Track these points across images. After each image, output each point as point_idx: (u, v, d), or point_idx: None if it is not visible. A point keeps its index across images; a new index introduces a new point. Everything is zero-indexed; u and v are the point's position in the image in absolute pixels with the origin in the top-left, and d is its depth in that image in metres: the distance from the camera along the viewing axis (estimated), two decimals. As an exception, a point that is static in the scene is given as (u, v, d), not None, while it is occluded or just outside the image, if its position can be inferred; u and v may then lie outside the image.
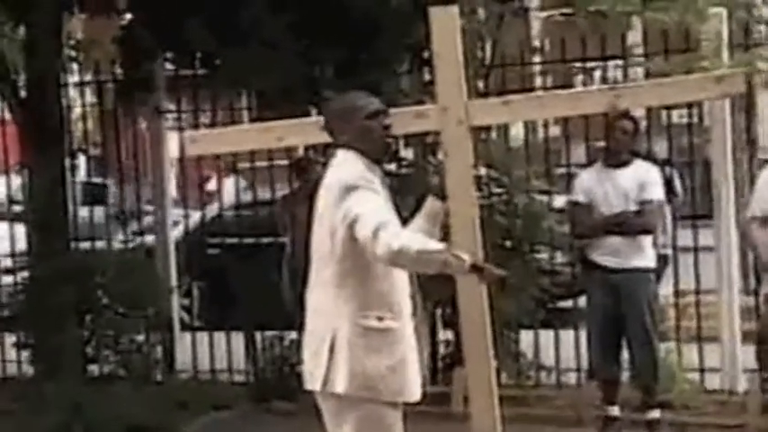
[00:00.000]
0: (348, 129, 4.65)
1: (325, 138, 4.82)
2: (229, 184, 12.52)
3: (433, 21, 5.01)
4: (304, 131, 5.24)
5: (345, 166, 4.60)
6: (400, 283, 4.61)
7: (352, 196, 4.44)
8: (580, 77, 9.49)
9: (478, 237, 4.95)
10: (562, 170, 9.86)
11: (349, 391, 4.50)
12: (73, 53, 10.17)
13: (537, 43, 10.04)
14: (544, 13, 10.78)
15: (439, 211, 4.88)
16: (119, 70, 9.44)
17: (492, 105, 5.35)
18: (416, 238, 4.45)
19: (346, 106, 4.72)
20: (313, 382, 4.59)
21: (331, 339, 4.52)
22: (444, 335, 8.87)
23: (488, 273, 4.45)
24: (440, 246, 4.43)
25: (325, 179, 4.69)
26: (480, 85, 8.59)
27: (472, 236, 4.93)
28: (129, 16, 8.89)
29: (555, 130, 10.44)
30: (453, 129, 5.00)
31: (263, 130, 5.42)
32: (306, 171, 8.99)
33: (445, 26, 4.99)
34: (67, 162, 9.37)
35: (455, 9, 5.06)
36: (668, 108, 9.24)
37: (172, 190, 9.90)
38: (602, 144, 7.81)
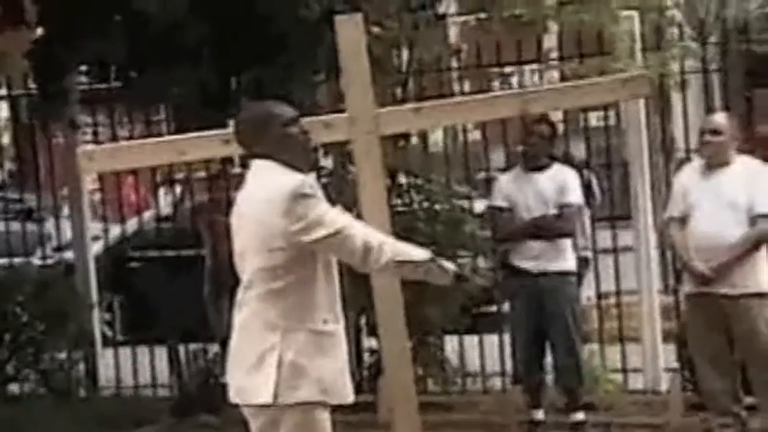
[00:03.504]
0: (265, 138, 4.56)
1: (228, 151, 4.76)
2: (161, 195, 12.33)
3: (338, 30, 4.99)
4: (206, 145, 5.16)
5: (276, 175, 4.50)
6: (336, 286, 4.61)
7: (304, 205, 4.39)
8: (497, 83, 9.52)
9: None
10: (482, 175, 9.91)
11: (305, 397, 4.45)
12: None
13: (454, 49, 10.02)
14: (461, 18, 10.79)
15: None
16: (32, 84, 9.31)
17: (402, 113, 5.36)
18: (401, 247, 4.49)
19: (261, 115, 4.64)
20: (255, 396, 4.49)
21: (279, 350, 4.45)
22: (369, 343, 8.85)
23: (472, 281, 4.50)
24: (425, 254, 4.46)
25: (246, 189, 4.62)
26: (398, 92, 8.58)
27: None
28: (40, 30, 8.75)
29: (476, 135, 10.49)
30: (363, 138, 4.99)
31: (163, 144, 5.32)
32: (222, 183, 8.94)
33: (351, 35, 4.98)
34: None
35: (359, 17, 5.04)
36: (585, 111, 9.31)
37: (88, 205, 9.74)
38: (520, 148, 7.84)
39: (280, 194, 4.42)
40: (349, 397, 4.62)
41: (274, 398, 4.45)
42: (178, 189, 10.92)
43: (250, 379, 4.51)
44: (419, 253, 4.48)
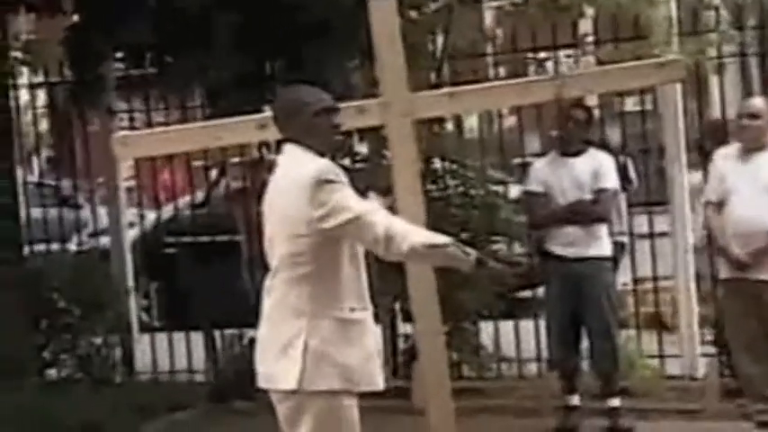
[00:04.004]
0: (295, 124, 4.60)
1: (262, 136, 4.77)
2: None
3: (372, 14, 4.98)
4: (241, 130, 5.18)
5: (303, 160, 4.53)
6: (363, 274, 4.62)
7: (326, 190, 4.40)
8: (532, 68, 9.47)
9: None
10: (518, 160, 9.87)
11: (329, 385, 4.46)
12: (20, 55, 10.04)
13: (489, 34, 9.97)
14: (495, 3, 10.74)
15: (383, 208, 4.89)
16: (68, 72, 9.34)
17: (436, 98, 5.33)
18: (423, 233, 4.48)
19: (295, 101, 4.65)
20: (281, 381, 4.51)
21: (305, 336, 4.46)
22: (404, 329, 8.84)
23: (496, 267, 4.47)
24: (446, 239, 4.43)
25: (276, 175, 4.64)
26: (433, 77, 8.55)
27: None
28: (76, 17, 8.78)
29: (511, 121, 10.45)
30: (397, 123, 4.98)
31: (198, 130, 5.33)
32: (258, 168, 8.95)
33: (385, 19, 4.97)
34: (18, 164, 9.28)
35: (393, 1, 5.02)
36: (621, 95, 9.25)
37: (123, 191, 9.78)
38: (556, 133, 7.81)
39: (304, 180, 4.43)
40: (378, 384, 4.62)
41: (299, 384, 4.47)
42: (213, 175, 10.96)
43: (277, 365, 4.53)
44: (440, 239, 4.44)
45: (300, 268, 4.49)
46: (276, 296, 4.58)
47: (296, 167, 4.53)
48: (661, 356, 8.47)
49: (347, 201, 4.41)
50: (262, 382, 4.66)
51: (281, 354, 4.52)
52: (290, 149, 4.62)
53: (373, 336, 4.67)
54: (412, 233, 4.43)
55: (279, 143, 5.63)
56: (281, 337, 4.54)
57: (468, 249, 4.41)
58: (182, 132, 5.62)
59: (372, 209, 4.49)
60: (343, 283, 4.53)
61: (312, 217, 4.41)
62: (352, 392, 4.57)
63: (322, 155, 4.57)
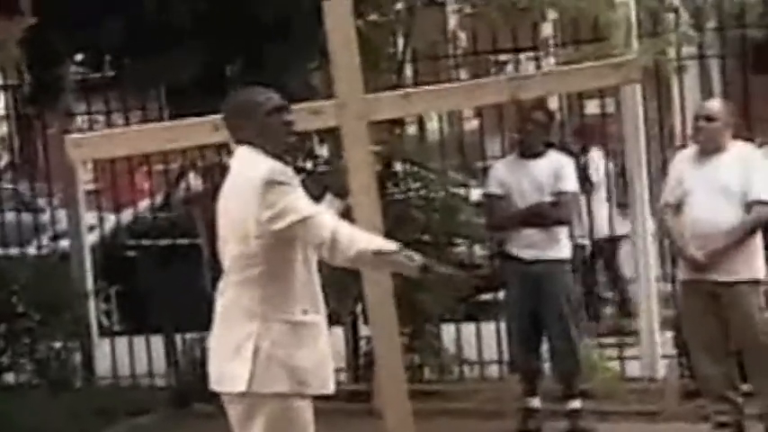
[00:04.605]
0: (248, 125, 4.57)
1: (217, 138, 4.74)
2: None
3: (327, 13, 4.95)
4: (197, 132, 5.12)
5: (254, 162, 4.50)
6: (315, 276, 4.60)
7: (276, 192, 4.38)
8: (493, 70, 9.48)
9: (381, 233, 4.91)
10: (479, 164, 9.86)
11: (280, 388, 4.44)
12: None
13: (452, 36, 9.98)
14: (458, 6, 10.75)
15: (339, 210, 4.87)
16: (27, 74, 9.27)
17: (391, 99, 5.28)
18: (370, 238, 4.45)
19: (246, 102, 4.63)
20: (231, 383, 4.49)
21: (255, 339, 4.44)
22: (365, 331, 8.81)
23: (439, 273, 4.45)
24: (393, 246, 4.41)
25: (229, 177, 4.62)
26: (393, 79, 8.54)
27: (377, 232, 4.88)
28: (34, 19, 8.71)
29: (474, 124, 10.45)
30: (352, 124, 4.95)
31: (152, 131, 5.28)
32: (217, 171, 8.90)
33: (340, 19, 4.94)
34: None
35: (348, 1, 4.99)
36: (581, 98, 9.27)
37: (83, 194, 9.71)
38: (516, 135, 7.81)
39: (255, 182, 4.41)
40: (329, 388, 4.60)
41: (249, 386, 4.44)
42: (172, 178, 10.91)
43: (227, 366, 4.52)
44: (387, 246, 4.42)
45: (252, 270, 4.47)
46: (228, 297, 4.56)
47: (248, 169, 4.50)
48: (621, 358, 8.48)
49: (296, 203, 4.39)
50: (213, 384, 4.64)
51: (232, 355, 4.49)
52: (243, 151, 4.59)
53: (326, 339, 4.65)
54: (359, 238, 4.41)
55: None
56: (232, 338, 4.51)
57: (415, 255, 4.37)
58: (136, 134, 5.57)
59: (321, 212, 4.48)
60: (296, 285, 4.51)
61: (262, 218, 4.39)
62: (305, 395, 4.55)
63: (275, 155, 4.55)
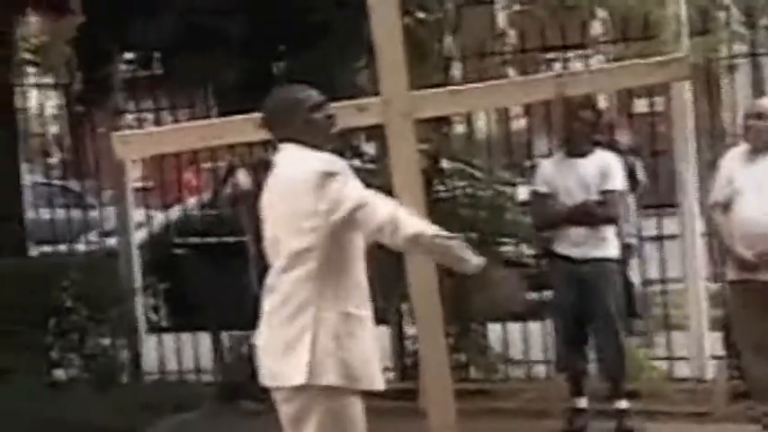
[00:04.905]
0: (291, 122, 4.60)
1: (263, 135, 4.75)
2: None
3: (372, 11, 4.95)
4: (241, 129, 5.15)
5: (303, 157, 4.52)
6: (364, 274, 4.61)
7: (334, 183, 4.40)
8: (542, 68, 9.43)
9: None
10: (527, 163, 9.81)
11: (336, 381, 4.45)
12: (28, 56, 10.07)
13: (501, 34, 9.96)
14: (505, 3, 10.73)
15: None
16: (77, 72, 9.36)
17: (437, 96, 5.27)
18: (428, 224, 4.47)
19: (288, 100, 4.66)
20: (287, 378, 4.49)
21: (313, 331, 4.45)
22: (412, 330, 8.80)
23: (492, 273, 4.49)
24: (451, 235, 4.41)
25: (275, 174, 4.62)
26: (440, 77, 8.51)
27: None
28: (82, 18, 8.79)
29: (522, 123, 10.40)
30: (397, 121, 4.94)
31: (198, 129, 5.31)
32: (265, 169, 8.92)
33: (385, 16, 4.94)
34: (26, 165, 9.29)
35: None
36: (631, 96, 9.19)
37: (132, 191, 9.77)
38: (562, 134, 7.75)
39: (308, 175, 4.43)
40: (379, 384, 4.61)
41: (307, 379, 4.44)
42: (220, 175, 10.93)
43: (282, 362, 4.51)
44: (447, 234, 4.42)
45: (309, 264, 4.48)
46: (281, 294, 4.55)
47: (295, 165, 4.52)
48: (670, 359, 8.41)
49: (351, 191, 4.42)
50: (267, 380, 4.63)
51: (287, 350, 4.50)
52: (288, 148, 4.62)
53: (373, 336, 4.65)
54: (418, 222, 4.44)
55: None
56: (286, 334, 4.51)
57: (473, 253, 4.38)
58: (181, 131, 5.61)
59: (377, 196, 4.49)
60: (350, 279, 4.54)
61: (319, 210, 4.41)
62: (356, 392, 4.55)
63: (320, 150, 4.57)
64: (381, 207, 4.40)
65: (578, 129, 7.42)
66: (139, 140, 5.42)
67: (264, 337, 4.65)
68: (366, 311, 4.59)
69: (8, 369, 8.60)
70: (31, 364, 8.52)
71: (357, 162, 8.75)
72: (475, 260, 4.39)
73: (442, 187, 8.59)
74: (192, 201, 11.37)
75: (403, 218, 4.38)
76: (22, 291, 8.59)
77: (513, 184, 9.10)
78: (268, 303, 4.61)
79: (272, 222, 4.61)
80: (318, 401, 4.49)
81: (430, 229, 4.42)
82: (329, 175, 4.41)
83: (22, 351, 8.48)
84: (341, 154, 5.11)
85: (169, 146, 5.49)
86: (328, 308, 4.48)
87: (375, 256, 4.64)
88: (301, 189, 4.44)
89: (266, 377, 4.63)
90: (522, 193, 8.89)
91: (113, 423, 7.83)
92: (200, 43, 7.92)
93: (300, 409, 4.52)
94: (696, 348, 8.32)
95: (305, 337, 4.45)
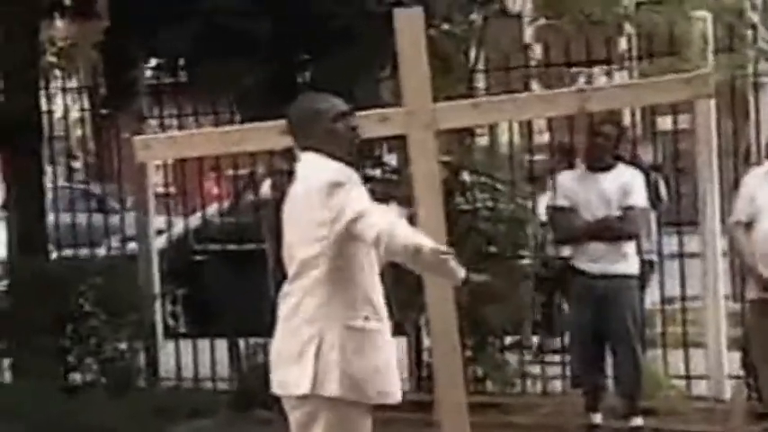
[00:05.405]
0: (314, 131, 4.61)
1: (285, 142, 4.75)
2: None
3: (397, 23, 4.94)
4: (263, 136, 5.14)
5: (320, 166, 4.54)
6: (378, 285, 4.61)
7: (340, 194, 4.41)
8: (566, 82, 9.41)
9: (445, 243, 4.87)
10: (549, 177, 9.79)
11: (339, 393, 4.46)
12: (54, 59, 10.11)
13: (527, 47, 9.92)
14: (532, 17, 10.71)
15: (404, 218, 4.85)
16: (102, 77, 9.38)
17: (459, 108, 5.25)
18: (420, 237, 4.43)
19: (311, 109, 4.67)
20: (294, 387, 4.52)
21: (318, 342, 4.46)
22: (429, 342, 8.77)
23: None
24: (446, 249, 4.40)
25: (295, 183, 4.64)
26: (464, 89, 8.50)
27: (440, 242, 4.84)
28: (108, 23, 8.81)
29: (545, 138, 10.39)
30: (419, 132, 4.92)
31: (218, 134, 5.30)
32: (285, 177, 8.93)
33: (410, 28, 4.93)
34: (49, 168, 9.32)
35: (419, 10, 4.99)
36: (655, 113, 9.16)
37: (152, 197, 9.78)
38: (584, 148, 7.73)
39: (319, 185, 4.45)
40: (392, 398, 4.59)
41: (311, 389, 4.45)
42: (241, 183, 10.96)
43: (290, 371, 4.53)
44: (433, 245, 4.37)
45: (315, 273, 4.49)
46: (292, 302, 4.57)
47: (314, 174, 4.54)
48: (688, 377, 8.36)
49: (353, 202, 4.41)
50: (275, 389, 4.66)
51: (294, 360, 4.52)
52: (309, 157, 4.63)
53: (389, 348, 4.64)
54: (409, 234, 4.39)
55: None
56: (294, 343, 4.54)
57: (459, 266, 4.36)
58: (202, 136, 5.60)
59: (376, 210, 4.47)
60: (359, 291, 4.53)
61: (326, 219, 4.42)
62: (366, 405, 4.55)
63: (342, 161, 4.58)
64: (379, 220, 4.37)
65: (600, 143, 7.39)
66: (160, 144, 5.41)
67: (277, 345, 4.68)
68: (378, 324, 4.57)
69: (25, 372, 8.64)
70: (48, 368, 8.53)
71: (378, 172, 8.74)
72: (461, 273, 4.39)
73: (462, 200, 8.58)
74: (212, 208, 11.38)
75: (399, 231, 4.34)
76: (41, 294, 8.61)
77: (534, 198, 9.07)
78: (282, 311, 4.64)
79: (289, 230, 4.63)
80: (322, 411, 4.50)
81: (426, 242, 4.37)
82: (336, 185, 4.42)
83: (39, 354, 8.50)
84: (361, 165, 5.15)
85: (189, 151, 5.49)
86: (335, 318, 4.48)
87: (393, 267, 4.62)
88: (314, 198, 4.47)
89: (276, 385, 4.65)
90: (543, 206, 8.87)
91: (128, 428, 7.83)
92: (224, 50, 7.93)
93: (307, 417, 4.54)
94: (714, 367, 8.27)
95: (311, 347, 4.48)
